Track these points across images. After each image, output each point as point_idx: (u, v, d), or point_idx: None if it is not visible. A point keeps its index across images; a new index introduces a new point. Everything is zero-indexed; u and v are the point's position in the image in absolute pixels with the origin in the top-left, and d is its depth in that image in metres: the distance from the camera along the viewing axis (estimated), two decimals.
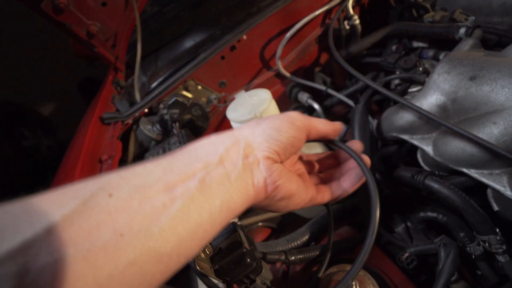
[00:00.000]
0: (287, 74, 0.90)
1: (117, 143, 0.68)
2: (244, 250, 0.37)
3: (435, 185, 0.49)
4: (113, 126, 0.80)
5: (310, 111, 0.94)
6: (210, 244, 0.38)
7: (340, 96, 0.81)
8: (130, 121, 0.81)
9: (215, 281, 0.36)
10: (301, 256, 0.51)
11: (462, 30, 0.60)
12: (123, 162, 0.67)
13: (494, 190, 0.48)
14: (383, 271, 0.52)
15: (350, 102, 0.78)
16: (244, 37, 0.83)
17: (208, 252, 0.37)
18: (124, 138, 0.77)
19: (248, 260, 0.36)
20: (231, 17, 1.01)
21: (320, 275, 0.46)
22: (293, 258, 0.50)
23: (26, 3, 0.80)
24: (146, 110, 0.83)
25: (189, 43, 1.04)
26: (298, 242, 0.56)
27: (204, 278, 0.36)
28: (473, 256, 0.49)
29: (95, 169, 0.63)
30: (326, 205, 0.57)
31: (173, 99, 0.75)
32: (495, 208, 0.50)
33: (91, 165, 0.63)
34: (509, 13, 0.66)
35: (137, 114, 0.82)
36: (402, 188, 0.65)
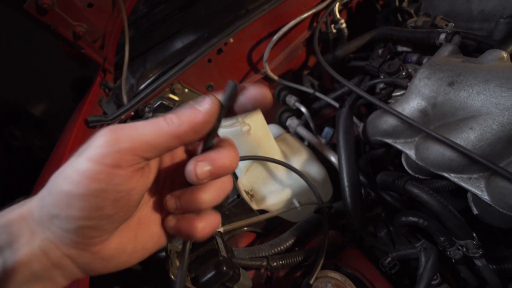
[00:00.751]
0: (275, 77, 0.90)
1: None
2: (221, 258, 0.37)
3: (415, 190, 0.50)
4: (98, 130, 0.78)
5: (297, 114, 0.95)
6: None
7: (328, 99, 0.82)
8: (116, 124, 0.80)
9: None
10: (283, 262, 0.51)
11: (442, 36, 0.61)
12: None
13: (474, 194, 0.49)
14: (365, 276, 0.52)
15: (337, 105, 0.78)
16: (231, 40, 0.83)
17: None
18: None
19: (225, 268, 0.36)
20: (220, 19, 1.00)
21: (312, 281, 0.46)
22: (275, 264, 0.50)
23: (8, 4, 0.79)
24: (132, 113, 0.82)
25: (178, 44, 1.04)
26: (282, 247, 0.55)
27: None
28: (453, 260, 0.50)
29: None
30: (321, 211, 0.57)
31: (159, 102, 0.74)
32: (475, 211, 0.51)
33: None
34: (488, 20, 0.68)
35: (123, 117, 0.81)
36: (388, 192, 0.65)
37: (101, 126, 0.81)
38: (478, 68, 0.49)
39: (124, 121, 0.81)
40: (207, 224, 0.29)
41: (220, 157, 0.26)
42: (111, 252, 0.26)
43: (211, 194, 0.28)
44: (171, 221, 0.29)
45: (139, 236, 0.28)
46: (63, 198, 0.22)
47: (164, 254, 0.37)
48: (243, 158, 0.59)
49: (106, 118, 0.81)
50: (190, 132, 0.25)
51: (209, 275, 0.36)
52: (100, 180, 0.22)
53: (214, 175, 0.26)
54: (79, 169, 0.22)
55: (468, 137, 0.47)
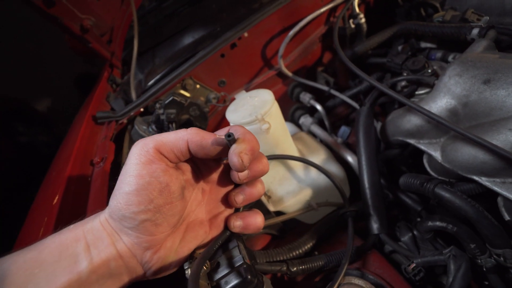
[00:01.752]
0: (289, 74, 0.87)
1: (110, 144, 0.65)
2: (245, 266, 0.34)
3: (447, 195, 0.46)
4: (106, 126, 0.76)
5: (312, 112, 0.92)
6: (209, 257, 0.35)
7: (344, 97, 0.79)
8: (124, 120, 0.78)
9: None
10: (303, 267, 0.49)
11: (475, 31, 0.57)
12: (116, 164, 0.63)
13: (506, 199, 0.46)
14: (387, 282, 0.50)
15: (355, 104, 0.75)
16: (246, 34, 0.80)
17: (205, 267, 0.35)
18: (118, 139, 0.73)
19: (249, 276, 0.33)
20: (232, 13, 0.97)
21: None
22: (295, 269, 0.48)
23: None
24: (141, 109, 0.80)
25: (188, 40, 1.01)
26: (301, 251, 0.53)
27: None
28: (484, 269, 0.47)
29: (86, 171, 0.59)
30: (345, 216, 0.54)
31: (170, 98, 0.71)
32: (506, 217, 0.48)
33: (82, 168, 0.60)
34: None
35: (132, 113, 0.78)
36: (407, 194, 0.63)
37: (109, 122, 0.78)
38: None
39: (133, 118, 0.79)
40: (262, 218, 0.37)
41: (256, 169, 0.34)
42: (166, 252, 0.33)
43: (262, 184, 0.38)
44: (237, 221, 0.37)
45: (186, 237, 0.35)
46: (124, 198, 0.29)
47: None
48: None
49: (114, 114, 0.79)
50: (199, 146, 0.32)
51: (232, 284, 0.33)
52: (144, 175, 0.30)
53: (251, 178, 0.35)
54: (129, 171, 0.30)
55: (507, 139, 0.44)
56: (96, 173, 0.58)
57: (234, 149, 0.31)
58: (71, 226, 0.32)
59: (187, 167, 0.36)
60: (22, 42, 2.62)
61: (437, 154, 0.55)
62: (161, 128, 0.71)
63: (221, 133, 0.34)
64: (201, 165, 0.37)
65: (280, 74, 0.91)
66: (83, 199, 0.54)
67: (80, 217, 0.34)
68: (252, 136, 0.33)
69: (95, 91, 0.95)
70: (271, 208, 0.59)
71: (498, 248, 0.43)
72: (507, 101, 0.45)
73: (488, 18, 0.57)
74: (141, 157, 0.30)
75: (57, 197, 0.53)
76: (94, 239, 0.30)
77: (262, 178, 0.63)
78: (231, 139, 0.31)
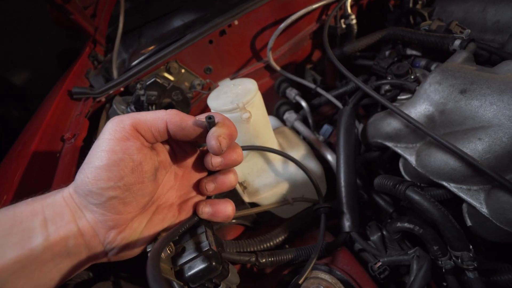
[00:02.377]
0: (277, 68, 0.87)
1: (84, 121, 0.61)
2: (210, 252, 0.33)
3: (416, 197, 0.48)
4: (83, 103, 0.72)
5: (297, 108, 0.92)
6: (172, 242, 0.34)
7: (329, 97, 0.79)
8: (102, 99, 0.74)
9: (175, 283, 0.32)
10: (272, 259, 0.48)
11: (457, 42, 0.59)
12: (89, 142, 0.60)
13: (470, 206, 0.48)
14: (353, 278, 0.51)
15: (339, 104, 0.76)
16: (236, 22, 0.78)
17: (169, 251, 0.34)
18: (95, 117, 0.70)
19: (214, 263, 0.33)
20: (224, 0, 0.95)
21: (301, 281, 0.44)
22: (264, 260, 0.48)
23: None
24: (122, 88, 0.76)
25: (177, 22, 0.97)
26: (272, 244, 0.53)
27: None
28: (443, 270, 0.49)
29: (55, 147, 0.56)
30: (320, 211, 0.55)
31: (152, 80, 0.69)
32: (468, 223, 0.50)
33: (51, 143, 0.56)
34: (501, 31, 0.67)
35: (111, 92, 0.75)
36: (381, 196, 0.64)
37: (86, 99, 0.74)
38: (493, 78, 0.47)
39: (112, 96, 0.75)
40: (233, 207, 0.37)
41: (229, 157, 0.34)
42: (130, 233, 0.31)
43: (235, 175, 0.37)
44: (206, 207, 0.36)
45: (153, 219, 0.34)
46: (93, 172, 0.28)
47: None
48: (244, 148, 0.56)
49: (92, 91, 0.75)
50: (178, 126, 0.31)
51: (196, 270, 0.33)
52: (117, 151, 0.28)
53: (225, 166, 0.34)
54: (101, 146, 0.29)
55: (475, 148, 0.46)
56: (66, 149, 0.54)
57: (213, 132, 0.30)
58: (29, 200, 0.30)
59: (162, 149, 0.35)
60: (1, 11, 2.44)
61: (412, 159, 0.57)
62: (141, 109, 0.68)
63: (201, 117, 0.33)
64: (176, 148, 0.36)
65: (268, 67, 0.90)
66: (49, 176, 0.51)
67: (41, 192, 0.32)
68: (231, 123, 0.33)
69: (74, 66, 0.90)
70: (246, 199, 0.59)
71: (458, 250, 0.45)
72: (479, 111, 0.47)
73: (470, 31, 0.59)
74: (116, 133, 0.29)
75: (18, 173, 0.50)
76: (54, 215, 0.29)
77: (240, 168, 0.63)
78: (211, 121, 0.31)
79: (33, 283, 0.27)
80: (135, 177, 0.29)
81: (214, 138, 0.30)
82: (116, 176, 0.28)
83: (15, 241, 0.26)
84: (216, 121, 0.32)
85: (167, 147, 0.36)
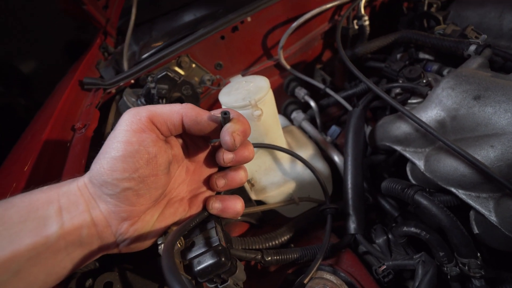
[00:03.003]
0: (287, 66, 0.86)
1: (95, 112, 0.62)
2: (220, 248, 0.33)
3: (424, 202, 0.48)
4: (93, 93, 0.73)
5: (305, 108, 0.91)
6: (182, 236, 0.35)
7: (338, 98, 0.79)
8: (113, 90, 0.75)
9: (183, 277, 0.33)
10: (277, 257, 0.49)
11: (472, 48, 0.58)
12: (99, 133, 0.61)
13: (478, 213, 0.48)
14: (358, 280, 0.51)
15: (348, 105, 0.75)
16: (249, 19, 0.78)
17: (179, 245, 0.34)
18: (104, 108, 0.70)
19: (223, 259, 0.33)
20: None
21: (306, 281, 0.44)
22: (269, 258, 0.48)
23: None
24: (132, 81, 0.77)
25: (188, 17, 0.97)
26: (277, 242, 0.53)
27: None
28: (449, 277, 0.49)
29: (66, 136, 0.56)
30: (326, 212, 0.55)
31: (163, 73, 0.69)
32: (475, 231, 0.50)
33: (62, 132, 0.57)
34: None
35: (122, 83, 0.75)
36: (387, 199, 0.64)
37: (97, 89, 0.75)
38: (508, 85, 0.47)
39: (123, 88, 0.75)
40: (243, 204, 0.36)
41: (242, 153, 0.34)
42: (142, 225, 0.32)
43: (245, 173, 0.37)
44: (216, 203, 0.36)
45: (164, 212, 0.34)
46: (109, 163, 0.28)
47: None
48: (253, 145, 0.56)
49: (103, 82, 0.75)
50: (194, 121, 0.31)
51: (205, 264, 0.33)
52: (133, 143, 0.28)
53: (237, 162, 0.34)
54: (118, 137, 0.28)
55: (487, 155, 0.45)
56: (76, 139, 0.55)
57: (228, 127, 0.30)
58: (45, 188, 0.30)
59: (176, 143, 0.35)
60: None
61: (420, 163, 0.56)
62: (151, 102, 0.68)
63: (216, 113, 0.33)
64: (189, 143, 0.37)
65: (278, 66, 0.90)
66: (59, 165, 0.51)
67: (56, 180, 0.32)
68: (246, 120, 0.33)
69: (85, 56, 0.90)
70: (253, 196, 0.59)
71: (465, 257, 0.44)
72: (492, 118, 0.46)
73: (486, 36, 0.59)
74: (132, 124, 0.29)
75: (29, 162, 0.50)
76: (69, 203, 0.29)
77: (248, 165, 0.63)
78: (226, 117, 0.31)
79: (47, 270, 0.27)
80: (150, 169, 0.30)
81: (228, 133, 0.30)
82: (131, 168, 0.28)
83: (31, 228, 0.26)
84: (230, 117, 0.31)
85: (181, 141, 0.36)
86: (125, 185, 0.28)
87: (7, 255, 0.25)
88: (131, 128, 0.29)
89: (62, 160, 0.52)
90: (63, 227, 0.27)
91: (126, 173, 0.28)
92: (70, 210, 0.29)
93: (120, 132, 0.29)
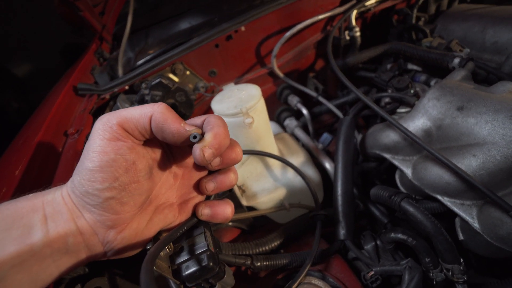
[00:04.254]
0: (281, 74, 0.88)
1: (88, 117, 0.62)
2: (208, 253, 0.34)
3: (410, 209, 0.49)
4: (87, 99, 0.73)
5: (298, 115, 0.93)
6: (171, 241, 0.35)
7: (330, 106, 0.81)
8: (107, 96, 0.75)
9: (172, 282, 0.33)
10: (267, 263, 0.49)
11: (456, 60, 0.61)
12: None
13: (462, 220, 0.49)
14: (346, 286, 0.52)
15: (339, 113, 0.77)
16: (243, 28, 0.80)
17: (168, 250, 0.34)
18: (98, 115, 0.71)
19: (211, 264, 0.33)
20: (232, 6, 0.97)
21: (294, 286, 0.44)
22: (259, 264, 0.48)
23: None
24: (126, 87, 0.77)
25: (184, 25, 0.99)
26: (267, 248, 0.54)
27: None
28: (434, 282, 0.50)
29: (58, 141, 0.57)
30: (316, 218, 0.56)
31: (157, 80, 0.70)
32: (460, 237, 0.51)
33: (55, 137, 0.57)
34: (499, 52, 0.69)
35: (116, 89, 0.76)
36: (376, 206, 0.65)
37: (91, 95, 0.75)
38: (489, 97, 0.49)
39: (117, 94, 0.76)
40: (232, 209, 0.36)
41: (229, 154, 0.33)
42: (131, 233, 0.31)
43: (235, 175, 0.36)
44: (205, 209, 0.36)
45: (153, 219, 0.34)
46: (87, 174, 0.28)
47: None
48: (244, 152, 0.56)
49: (97, 88, 0.76)
50: (159, 127, 0.29)
51: (193, 269, 0.33)
52: (108, 152, 0.28)
53: (223, 165, 0.34)
54: (92, 147, 0.28)
55: (470, 164, 0.47)
56: (69, 144, 0.55)
57: (197, 144, 0.29)
58: (30, 195, 0.30)
59: (156, 146, 0.34)
60: (5, 3, 2.45)
61: (408, 171, 0.58)
62: None
63: (196, 121, 0.32)
64: (173, 146, 0.36)
65: (272, 74, 0.91)
66: (51, 170, 0.51)
67: (42, 187, 0.32)
68: (223, 130, 0.31)
69: (80, 61, 0.91)
70: (244, 202, 0.60)
71: (449, 263, 0.46)
72: (475, 128, 0.48)
73: (469, 50, 0.61)
74: (105, 133, 0.28)
75: (20, 166, 0.50)
76: (53, 212, 0.29)
77: (239, 172, 0.64)
78: (196, 141, 0.29)
79: (32, 277, 0.27)
80: (130, 176, 0.29)
81: (198, 148, 0.29)
82: (110, 177, 0.28)
83: (16, 236, 0.26)
84: (208, 127, 0.30)
85: (162, 143, 0.34)
86: (106, 195, 0.28)
87: None
88: (104, 137, 0.28)
89: (54, 165, 0.52)
90: (48, 235, 0.27)
91: (106, 183, 0.28)
92: (55, 219, 0.28)
93: (94, 141, 0.28)
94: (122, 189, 0.29)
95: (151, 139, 0.32)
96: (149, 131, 0.30)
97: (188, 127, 0.30)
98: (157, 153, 0.34)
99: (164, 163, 0.35)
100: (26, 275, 0.27)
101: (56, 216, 0.29)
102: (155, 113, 0.29)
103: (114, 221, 0.30)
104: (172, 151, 0.36)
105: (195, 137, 0.29)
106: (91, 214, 0.29)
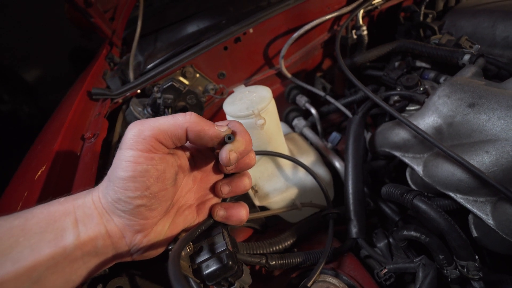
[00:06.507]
0: (288, 75, 0.89)
1: (103, 121, 0.64)
2: (227, 252, 0.35)
3: (423, 206, 0.49)
4: (101, 103, 0.75)
5: (306, 115, 0.94)
6: (191, 242, 0.36)
7: (338, 105, 0.81)
8: (120, 100, 0.77)
9: (192, 281, 0.34)
10: (281, 262, 0.50)
11: (467, 57, 0.61)
12: (107, 142, 0.63)
13: (476, 217, 0.49)
14: (360, 283, 0.52)
15: (348, 112, 0.77)
16: (251, 30, 0.81)
17: (188, 249, 0.36)
18: (112, 118, 0.73)
19: (230, 263, 0.34)
20: (240, 8, 0.98)
21: (309, 284, 0.45)
22: (273, 263, 0.49)
23: None
24: (138, 91, 0.79)
25: (192, 28, 1.01)
26: (281, 247, 0.54)
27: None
28: (449, 279, 0.50)
29: (76, 146, 0.59)
30: (328, 217, 0.56)
31: (169, 83, 0.71)
32: (474, 234, 0.51)
33: (73, 141, 0.59)
34: (510, 47, 0.68)
35: (128, 94, 0.78)
36: (387, 204, 0.65)
37: (104, 100, 0.77)
38: (501, 93, 0.48)
39: (129, 98, 0.78)
40: (247, 211, 0.38)
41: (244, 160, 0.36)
42: (155, 235, 0.33)
43: (249, 180, 0.39)
44: (221, 210, 0.38)
45: (175, 220, 0.36)
46: (120, 183, 0.29)
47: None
48: (256, 153, 0.58)
49: (110, 92, 0.78)
50: (197, 136, 0.32)
51: (213, 268, 0.34)
52: (142, 162, 0.29)
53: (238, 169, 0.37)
54: (125, 157, 0.29)
55: (483, 160, 0.47)
56: (86, 148, 0.57)
57: (227, 145, 0.33)
58: (62, 199, 0.32)
59: (181, 153, 0.36)
60: (18, 7, 2.51)
61: (419, 169, 0.58)
62: (157, 112, 0.71)
63: (222, 123, 0.34)
64: (195, 152, 0.38)
65: (279, 74, 0.92)
66: (70, 173, 0.53)
67: (65, 192, 0.33)
68: (248, 137, 0.34)
69: (92, 67, 0.93)
70: (257, 202, 0.61)
71: (463, 260, 0.46)
72: (487, 125, 0.48)
73: (479, 46, 0.61)
74: (138, 144, 0.29)
75: (41, 171, 0.52)
76: (84, 216, 0.30)
77: (252, 172, 0.65)
78: (230, 141, 0.33)
79: (64, 278, 0.29)
80: (160, 185, 0.31)
81: (226, 151, 0.32)
82: (142, 186, 0.29)
83: (50, 239, 0.28)
84: (233, 137, 0.33)
85: (186, 150, 0.37)
86: (138, 202, 0.30)
87: (29, 264, 0.26)
88: (137, 148, 0.29)
89: (73, 169, 0.54)
90: (79, 238, 0.29)
91: (138, 191, 0.29)
92: (85, 222, 0.30)
93: (127, 151, 0.29)
94: (152, 197, 0.30)
95: (177, 147, 0.34)
96: (182, 140, 0.32)
97: (221, 128, 0.33)
98: (182, 160, 0.36)
99: (187, 169, 0.37)
100: (59, 276, 0.28)
101: (87, 220, 0.30)
102: (190, 124, 0.31)
103: (142, 225, 0.32)
104: (193, 155, 0.38)
105: (229, 138, 0.33)
106: (121, 219, 0.31)
